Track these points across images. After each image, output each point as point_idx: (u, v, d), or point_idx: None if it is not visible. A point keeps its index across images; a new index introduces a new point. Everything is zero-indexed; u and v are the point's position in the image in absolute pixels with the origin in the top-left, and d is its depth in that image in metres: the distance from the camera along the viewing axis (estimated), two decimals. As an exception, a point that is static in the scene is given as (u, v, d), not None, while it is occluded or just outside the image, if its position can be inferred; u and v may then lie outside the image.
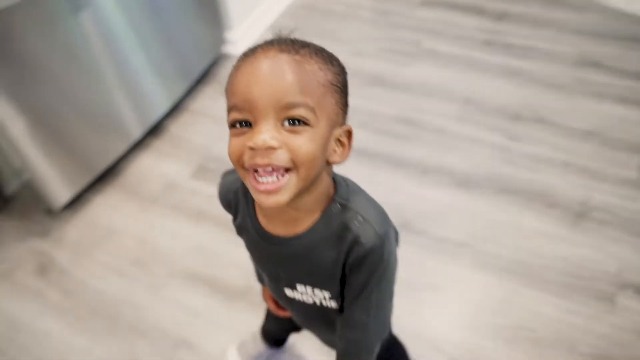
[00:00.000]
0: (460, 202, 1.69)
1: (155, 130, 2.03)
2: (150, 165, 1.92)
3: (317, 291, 0.78)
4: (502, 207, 1.66)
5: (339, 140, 0.67)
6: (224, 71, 2.27)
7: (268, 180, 0.61)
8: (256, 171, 0.61)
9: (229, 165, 1.96)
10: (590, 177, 1.72)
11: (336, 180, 0.72)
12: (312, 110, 0.61)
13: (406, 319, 1.37)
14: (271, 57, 0.61)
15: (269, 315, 1.20)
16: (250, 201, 0.76)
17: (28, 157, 1.58)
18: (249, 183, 0.63)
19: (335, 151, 0.66)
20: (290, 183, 0.62)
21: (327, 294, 0.77)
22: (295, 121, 0.60)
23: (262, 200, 0.62)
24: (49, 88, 1.56)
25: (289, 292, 0.81)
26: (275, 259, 0.76)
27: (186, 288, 1.54)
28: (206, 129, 2.03)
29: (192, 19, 2.04)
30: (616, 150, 1.80)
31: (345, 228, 0.69)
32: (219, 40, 2.27)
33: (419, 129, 1.95)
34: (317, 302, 0.79)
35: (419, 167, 1.81)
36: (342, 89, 0.66)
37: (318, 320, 0.86)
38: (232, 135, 0.63)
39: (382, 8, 2.60)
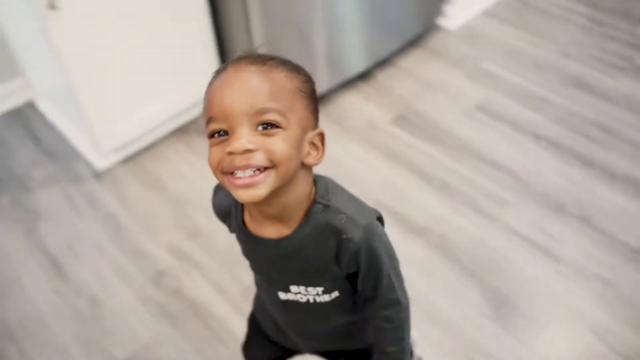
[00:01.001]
0: (644, 213, 1.73)
1: (364, 76, 2.24)
2: (355, 103, 2.14)
3: (310, 289, 0.82)
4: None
5: (313, 143, 0.72)
6: (434, 40, 2.43)
7: (245, 175, 0.66)
8: (233, 174, 0.67)
9: (427, 121, 2.14)
10: None
11: (316, 182, 0.77)
12: (282, 114, 0.66)
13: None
14: (241, 69, 0.67)
15: (254, 337, 1.09)
16: (239, 209, 0.81)
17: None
18: (228, 183, 0.68)
19: (309, 153, 0.71)
20: (267, 179, 0.66)
21: (320, 289, 0.82)
22: (268, 125, 0.65)
23: (240, 195, 0.67)
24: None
25: (282, 295, 0.85)
26: (268, 261, 0.81)
27: (372, 211, 1.75)
28: (410, 85, 2.21)
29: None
30: None
31: (330, 226, 0.74)
32: (437, 11, 2.43)
33: (613, 137, 1.99)
34: (311, 300, 0.84)
35: (606, 171, 1.86)
36: (310, 95, 0.72)
37: (311, 318, 0.89)
38: (211, 145, 0.68)
39: (599, 18, 2.60)
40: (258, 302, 1.02)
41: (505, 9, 2.65)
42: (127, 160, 1.97)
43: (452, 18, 2.49)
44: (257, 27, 1.81)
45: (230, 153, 0.65)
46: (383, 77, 2.26)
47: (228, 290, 1.57)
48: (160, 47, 1.81)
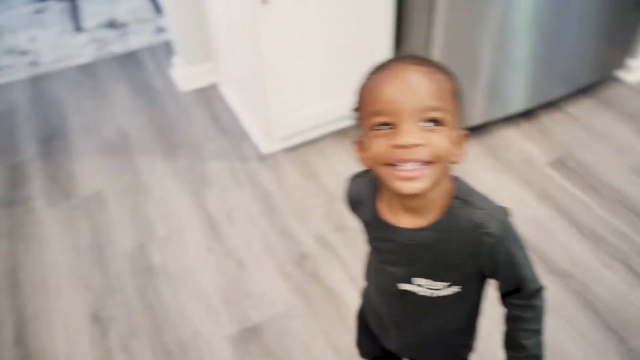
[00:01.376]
0: None
1: (527, 114, 2.23)
2: (514, 139, 2.14)
3: (435, 283, 0.84)
4: None
5: (458, 142, 0.75)
6: (609, 91, 2.36)
7: (409, 167, 0.70)
8: (396, 166, 0.71)
9: (587, 170, 2.06)
10: None
11: (455, 179, 0.81)
12: (445, 112, 0.71)
13: None
14: (408, 69, 0.71)
15: (363, 332, 1.13)
16: (372, 199, 0.84)
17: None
18: (389, 174, 0.71)
19: (455, 152, 0.75)
20: (430, 173, 0.71)
21: (444, 284, 0.84)
22: (433, 122, 0.70)
23: (401, 186, 0.71)
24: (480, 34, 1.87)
25: (403, 286, 0.86)
26: (400, 251, 0.83)
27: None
28: (574, 132, 2.16)
29: (600, 34, 2.16)
30: None
31: (470, 221, 0.77)
32: (617, 63, 2.35)
33: None
34: (429, 294, 0.85)
35: None
36: (460, 97, 0.76)
37: (424, 312, 0.90)
38: (374, 136, 0.72)
39: None
40: (366, 296, 1.06)
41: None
42: (290, 149, 2.14)
43: (633, 71, 2.39)
44: (436, 47, 1.89)
45: (399, 146, 0.69)
46: (547, 119, 2.23)
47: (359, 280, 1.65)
48: (343, 53, 1.96)
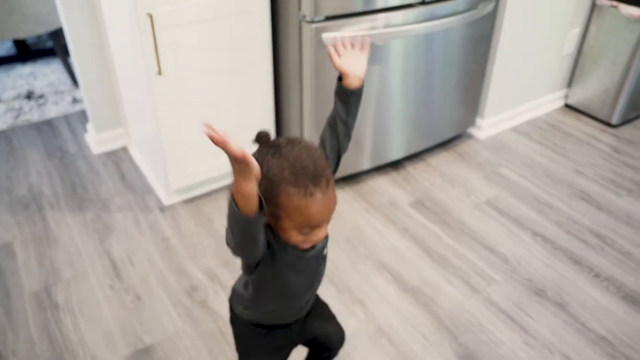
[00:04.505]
0: (619, 309, 1.93)
1: (395, 165, 2.63)
2: (384, 186, 2.52)
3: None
4: (654, 329, 1.86)
5: None
6: (464, 145, 2.81)
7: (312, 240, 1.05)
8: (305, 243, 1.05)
9: (441, 208, 2.46)
10: None
11: None
12: None
13: None
14: (328, 195, 0.99)
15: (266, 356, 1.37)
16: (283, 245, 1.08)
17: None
18: (300, 245, 1.05)
19: None
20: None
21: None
22: None
23: (306, 247, 1.07)
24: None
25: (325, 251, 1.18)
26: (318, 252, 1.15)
27: (375, 270, 2.06)
28: (433, 178, 2.57)
29: (456, 99, 2.64)
30: None
31: None
32: (470, 121, 2.83)
33: (606, 245, 2.22)
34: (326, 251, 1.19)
35: (593, 271, 2.09)
36: None
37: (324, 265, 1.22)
38: (296, 231, 1.01)
39: (619, 147, 2.89)
40: (262, 310, 1.25)
41: (533, 128, 3.02)
42: (188, 201, 2.42)
43: (483, 129, 2.87)
44: (308, 112, 2.27)
45: (318, 238, 1.04)
46: (411, 168, 2.64)
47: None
48: (229, 117, 2.30)
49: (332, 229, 2.25)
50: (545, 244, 2.21)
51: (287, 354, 1.41)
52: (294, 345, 1.40)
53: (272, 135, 1.16)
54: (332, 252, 2.13)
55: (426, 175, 2.61)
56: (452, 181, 2.57)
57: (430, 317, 1.89)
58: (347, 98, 1.15)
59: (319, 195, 0.97)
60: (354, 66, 1.15)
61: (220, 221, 2.31)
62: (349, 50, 1.18)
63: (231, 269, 2.07)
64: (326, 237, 1.12)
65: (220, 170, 2.41)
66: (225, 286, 2.00)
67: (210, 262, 2.11)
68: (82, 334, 1.83)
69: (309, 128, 2.28)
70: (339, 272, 2.05)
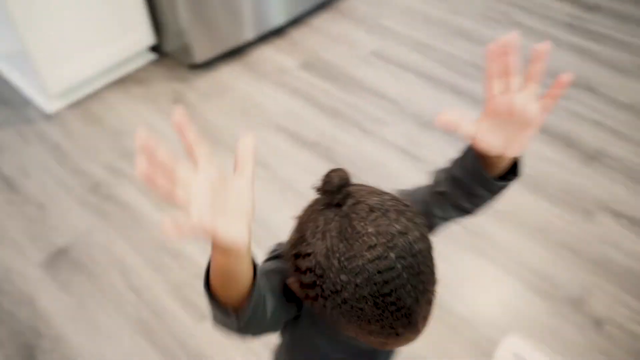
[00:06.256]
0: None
1: (279, 32, 2.62)
2: (270, 54, 2.52)
3: None
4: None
5: None
6: (344, 3, 2.82)
7: None
8: None
9: (329, 65, 2.50)
10: (612, 135, 2.08)
11: None
12: None
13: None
14: (421, 330, 0.67)
15: None
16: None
17: (183, 23, 2.22)
18: None
19: None
20: None
21: None
22: None
23: None
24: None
25: None
26: None
27: (274, 134, 2.12)
28: (318, 39, 2.59)
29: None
30: (643, 119, 2.13)
31: None
32: (345, -22, 2.81)
33: (482, 73, 2.37)
34: None
35: (473, 98, 2.25)
36: None
37: None
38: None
39: (489, -18, 3.00)
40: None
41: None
42: (74, 105, 2.31)
43: (359, -16, 2.87)
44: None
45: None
46: (296, 34, 2.64)
47: (150, 193, 1.92)
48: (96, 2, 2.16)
49: (225, 105, 2.25)
50: (429, 81, 2.33)
51: None
52: None
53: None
54: (229, 126, 2.15)
55: (311, 37, 2.62)
56: (337, 39, 2.60)
57: (330, 164, 1.98)
58: (480, 190, 0.72)
59: (410, 336, 0.65)
60: (515, 135, 0.64)
61: (111, 116, 2.25)
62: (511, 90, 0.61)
63: (130, 160, 2.05)
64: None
65: (103, 63, 2.30)
66: (127, 175, 1.99)
67: (108, 157, 2.08)
68: (-11, 251, 1.80)
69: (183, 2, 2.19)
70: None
